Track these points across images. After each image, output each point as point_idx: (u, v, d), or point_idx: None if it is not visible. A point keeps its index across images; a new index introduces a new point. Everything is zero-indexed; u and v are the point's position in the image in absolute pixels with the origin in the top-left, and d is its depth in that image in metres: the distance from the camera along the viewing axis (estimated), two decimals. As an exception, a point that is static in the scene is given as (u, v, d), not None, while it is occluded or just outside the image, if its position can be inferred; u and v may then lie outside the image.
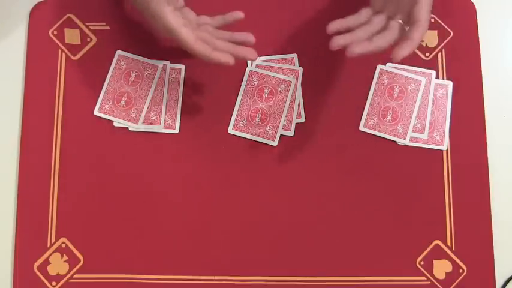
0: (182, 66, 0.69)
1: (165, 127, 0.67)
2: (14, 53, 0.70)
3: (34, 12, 0.70)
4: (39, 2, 0.71)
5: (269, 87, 0.68)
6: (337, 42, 0.56)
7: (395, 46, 0.55)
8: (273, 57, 0.69)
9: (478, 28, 0.70)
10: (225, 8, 0.69)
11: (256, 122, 0.67)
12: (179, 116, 0.68)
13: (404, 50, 0.54)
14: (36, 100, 0.68)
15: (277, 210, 0.66)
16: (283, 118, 0.67)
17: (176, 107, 0.68)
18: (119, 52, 0.69)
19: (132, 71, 0.69)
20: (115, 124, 0.68)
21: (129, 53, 0.69)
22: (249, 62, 0.69)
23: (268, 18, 0.70)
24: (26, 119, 0.68)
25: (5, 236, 0.66)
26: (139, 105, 0.67)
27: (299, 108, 0.68)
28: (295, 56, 0.69)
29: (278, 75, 0.68)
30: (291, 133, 0.67)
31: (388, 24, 0.58)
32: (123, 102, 0.68)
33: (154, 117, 0.67)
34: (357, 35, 0.57)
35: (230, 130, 0.68)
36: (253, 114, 0.68)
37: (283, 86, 0.68)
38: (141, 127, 0.67)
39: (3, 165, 0.68)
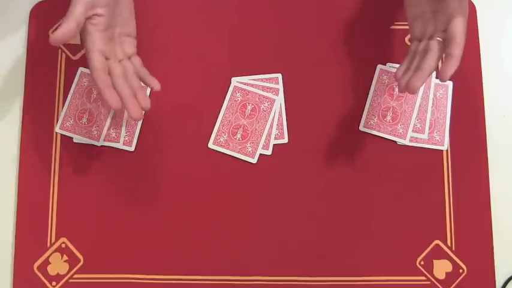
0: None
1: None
2: (14, 52, 0.70)
3: (34, 12, 0.70)
4: (39, 2, 0.71)
5: (252, 104, 0.68)
6: (403, 85, 0.57)
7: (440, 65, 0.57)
8: (258, 76, 0.69)
9: (478, 28, 0.70)
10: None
11: (237, 138, 0.67)
12: (138, 133, 0.67)
13: (450, 69, 0.55)
14: (36, 100, 0.68)
15: (277, 210, 0.66)
16: (263, 136, 0.67)
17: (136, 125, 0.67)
18: (81, 69, 0.69)
19: (94, 88, 0.68)
20: (75, 140, 0.67)
21: None
22: (233, 77, 0.69)
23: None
24: (26, 119, 0.68)
25: (5, 236, 0.66)
26: (101, 122, 0.67)
27: (282, 128, 0.68)
28: (279, 75, 0.69)
29: (262, 92, 0.68)
30: (268, 152, 0.67)
31: (428, 46, 0.58)
32: (84, 120, 0.67)
33: (121, 136, 0.67)
34: (411, 73, 0.58)
35: (210, 145, 0.67)
36: (235, 130, 0.67)
37: (267, 104, 0.68)
38: (105, 144, 0.67)
39: (3, 165, 0.68)
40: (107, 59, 0.59)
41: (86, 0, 0.56)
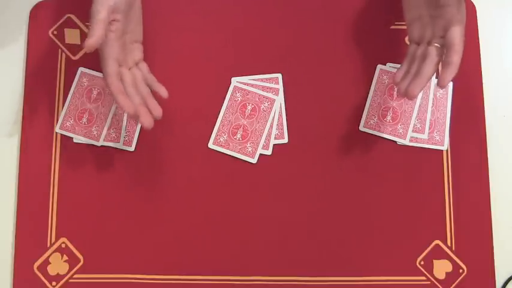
0: None
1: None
2: (14, 53, 0.70)
3: (34, 12, 0.70)
4: (39, 2, 0.71)
5: (252, 104, 0.68)
6: (402, 90, 0.58)
7: (438, 72, 0.58)
8: (258, 76, 0.69)
9: (478, 28, 0.70)
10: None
11: (237, 138, 0.67)
12: (137, 133, 0.67)
13: (448, 76, 0.56)
14: (36, 100, 0.68)
15: (277, 210, 0.66)
16: (263, 136, 0.67)
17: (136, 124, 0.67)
18: (81, 69, 0.69)
19: (94, 88, 0.69)
20: (75, 140, 0.67)
21: (91, 70, 0.68)
22: (233, 77, 0.69)
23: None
24: (26, 119, 0.68)
25: (5, 236, 0.66)
26: (101, 122, 0.67)
27: (282, 128, 0.68)
28: (279, 75, 0.69)
29: (262, 92, 0.68)
30: (268, 152, 0.67)
31: (426, 52, 0.59)
32: (84, 120, 0.67)
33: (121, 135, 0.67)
34: (410, 77, 0.59)
35: (210, 145, 0.67)
36: (235, 130, 0.67)
37: (267, 104, 0.68)
38: (105, 144, 0.67)
39: (3, 165, 0.68)
40: (119, 66, 0.59)
41: (109, 5, 0.56)
